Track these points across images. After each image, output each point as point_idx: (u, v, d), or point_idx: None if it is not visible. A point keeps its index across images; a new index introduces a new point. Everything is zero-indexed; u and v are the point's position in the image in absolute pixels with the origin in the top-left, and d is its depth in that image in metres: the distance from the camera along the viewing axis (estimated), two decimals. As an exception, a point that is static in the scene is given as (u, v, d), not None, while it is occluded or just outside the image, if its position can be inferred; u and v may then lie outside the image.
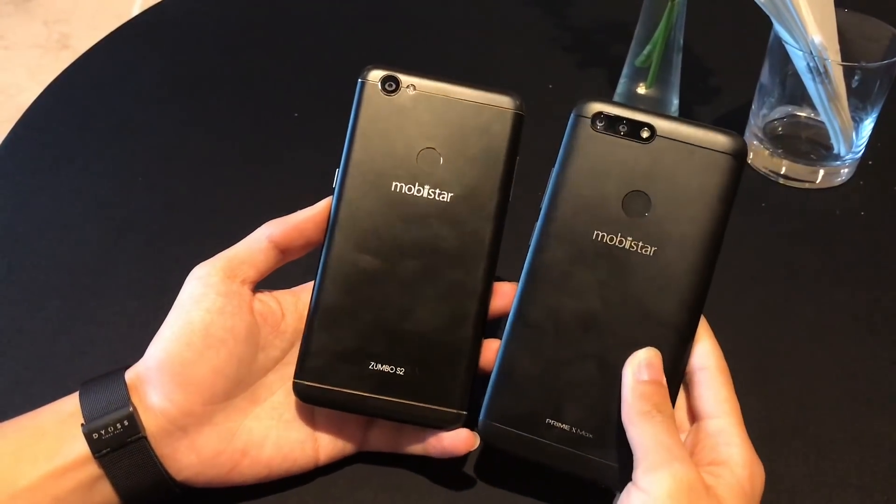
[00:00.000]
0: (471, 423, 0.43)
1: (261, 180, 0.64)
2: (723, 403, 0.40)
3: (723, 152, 0.41)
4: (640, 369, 0.39)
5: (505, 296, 0.44)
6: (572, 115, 0.42)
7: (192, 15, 0.83)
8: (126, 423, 0.39)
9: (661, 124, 0.41)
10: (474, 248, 0.43)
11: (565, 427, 0.41)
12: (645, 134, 0.41)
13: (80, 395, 0.40)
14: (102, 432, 0.39)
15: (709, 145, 0.41)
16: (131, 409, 0.39)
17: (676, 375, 0.41)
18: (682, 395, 0.42)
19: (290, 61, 0.76)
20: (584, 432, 0.41)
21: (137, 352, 0.42)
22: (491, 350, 0.43)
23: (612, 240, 0.41)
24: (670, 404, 0.39)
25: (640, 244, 0.41)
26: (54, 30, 2.00)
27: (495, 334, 0.44)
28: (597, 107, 0.42)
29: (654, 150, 0.41)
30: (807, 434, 0.48)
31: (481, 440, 0.42)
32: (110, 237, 0.59)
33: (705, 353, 0.41)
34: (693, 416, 0.41)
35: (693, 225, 0.40)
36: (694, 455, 0.40)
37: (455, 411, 0.42)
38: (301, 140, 0.67)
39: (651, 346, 0.40)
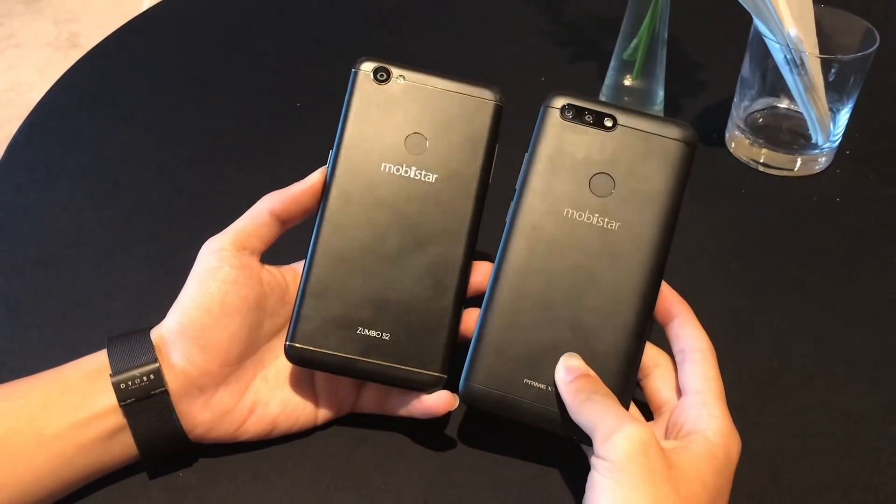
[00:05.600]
0: (451, 386, 0.46)
1: (264, 165, 0.67)
2: (710, 381, 0.43)
3: (676, 140, 0.45)
4: (566, 373, 0.43)
5: (484, 273, 0.47)
6: (542, 107, 0.46)
7: (198, 9, 0.86)
8: (152, 376, 0.42)
9: (621, 115, 0.45)
10: (456, 225, 0.46)
11: (542, 386, 0.44)
12: (608, 123, 0.45)
13: (108, 348, 0.44)
14: (129, 383, 0.42)
15: (663, 134, 0.45)
16: (158, 364, 0.43)
17: (641, 338, 0.44)
18: (670, 374, 0.46)
19: (291, 54, 0.79)
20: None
21: (147, 321, 0.45)
22: (471, 319, 0.46)
23: (580, 216, 0.45)
24: (605, 387, 0.43)
25: (606, 220, 0.45)
26: (64, 29, 2.03)
27: (475, 305, 0.47)
28: (565, 99, 0.46)
29: (616, 137, 0.45)
30: (778, 403, 0.51)
31: (464, 402, 0.45)
32: (121, 218, 0.62)
33: (695, 337, 0.45)
34: (680, 391, 0.44)
35: (651, 202, 0.45)
36: (676, 425, 0.43)
37: (435, 374, 0.45)
38: (302, 128, 0.70)
39: (616, 309, 0.44)
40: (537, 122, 0.46)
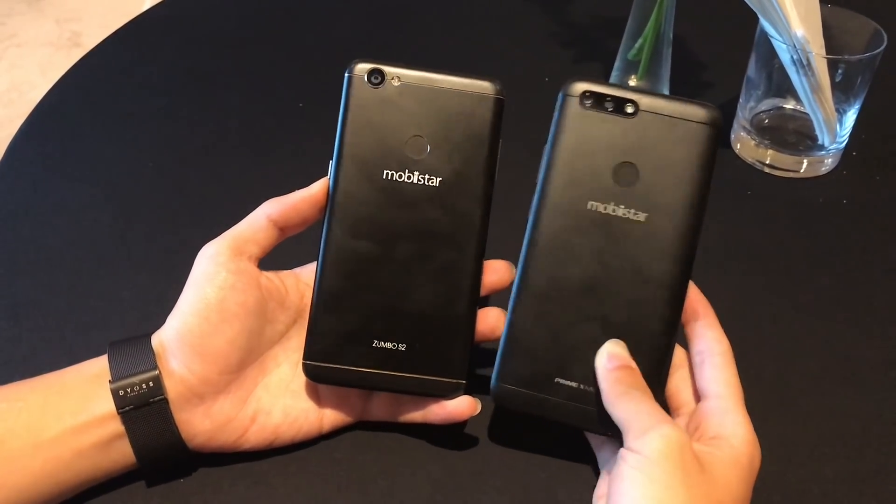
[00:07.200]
0: (468, 391, 0.45)
1: (265, 167, 0.67)
2: (731, 387, 0.43)
3: (701, 122, 0.43)
4: (608, 360, 0.43)
5: (497, 272, 0.46)
6: (560, 95, 0.44)
7: (200, 9, 0.86)
8: (151, 383, 0.42)
9: (643, 100, 0.44)
10: (464, 228, 0.45)
11: (573, 384, 0.44)
12: (629, 109, 0.44)
13: (108, 354, 0.43)
14: (128, 390, 0.42)
15: (688, 117, 0.43)
16: (157, 371, 0.42)
17: (672, 334, 0.44)
18: (687, 375, 0.45)
19: (293, 54, 0.79)
20: (590, 388, 0.43)
21: (146, 325, 0.45)
22: (486, 320, 0.46)
23: (605, 208, 0.44)
24: (644, 383, 0.42)
25: (632, 211, 0.43)
26: (66, 28, 2.03)
27: (494, 306, 0.47)
28: (583, 86, 0.44)
29: (638, 123, 0.44)
30: (784, 408, 0.50)
31: (495, 402, 0.45)
32: (122, 219, 0.62)
33: (717, 340, 0.44)
34: (698, 395, 0.44)
35: (678, 190, 0.43)
36: (698, 428, 0.42)
37: (455, 381, 0.45)
38: (305, 128, 0.70)
39: (647, 304, 0.43)
40: (556, 111, 0.44)
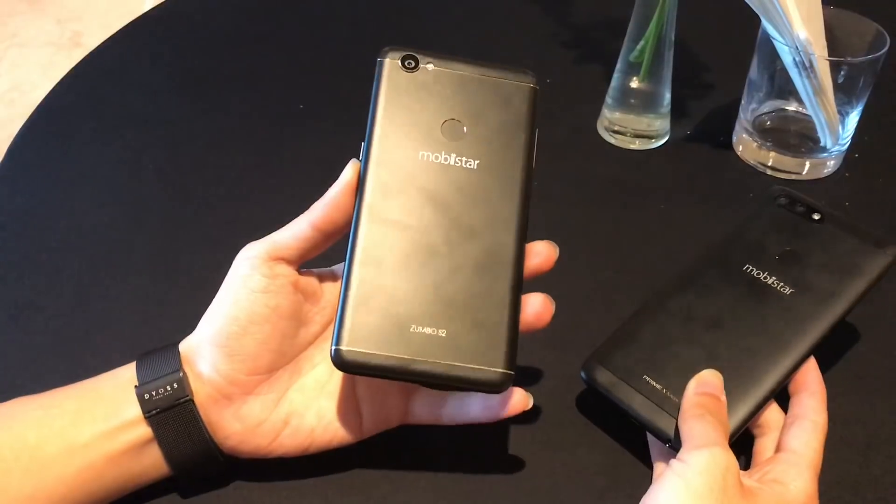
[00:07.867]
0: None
1: (266, 168, 0.66)
2: (810, 450, 0.43)
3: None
4: (699, 385, 0.44)
5: (540, 254, 0.44)
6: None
7: (200, 11, 0.85)
8: (175, 385, 0.42)
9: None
10: (505, 210, 0.43)
11: (658, 386, 0.46)
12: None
13: (136, 362, 0.43)
14: (153, 393, 0.42)
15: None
16: (181, 373, 0.42)
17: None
18: (776, 437, 0.46)
19: (294, 55, 0.79)
20: (672, 395, 0.45)
21: (148, 328, 0.45)
22: (531, 305, 0.43)
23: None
24: (725, 416, 0.43)
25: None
26: (67, 28, 2.03)
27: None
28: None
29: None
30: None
31: (583, 377, 0.47)
32: (122, 221, 0.62)
33: (815, 410, 0.45)
34: (779, 447, 0.45)
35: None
36: (766, 475, 0.42)
37: (503, 371, 0.41)
38: (305, 130, 0.70)
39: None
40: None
